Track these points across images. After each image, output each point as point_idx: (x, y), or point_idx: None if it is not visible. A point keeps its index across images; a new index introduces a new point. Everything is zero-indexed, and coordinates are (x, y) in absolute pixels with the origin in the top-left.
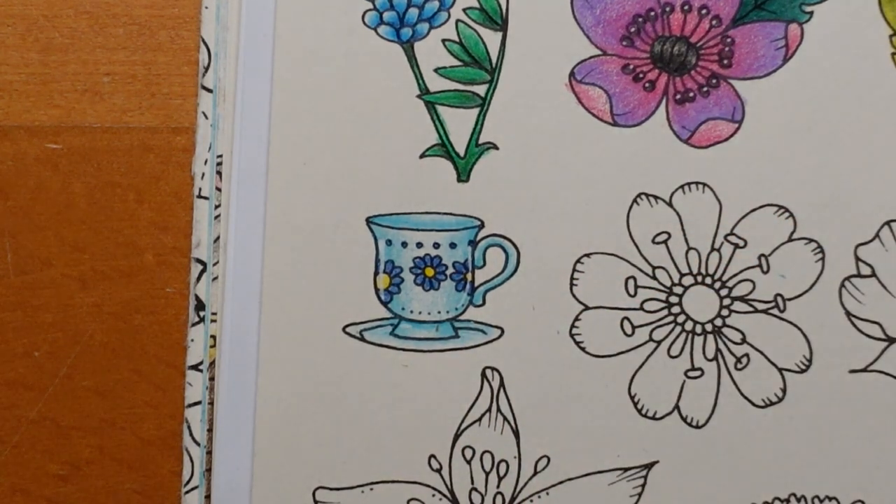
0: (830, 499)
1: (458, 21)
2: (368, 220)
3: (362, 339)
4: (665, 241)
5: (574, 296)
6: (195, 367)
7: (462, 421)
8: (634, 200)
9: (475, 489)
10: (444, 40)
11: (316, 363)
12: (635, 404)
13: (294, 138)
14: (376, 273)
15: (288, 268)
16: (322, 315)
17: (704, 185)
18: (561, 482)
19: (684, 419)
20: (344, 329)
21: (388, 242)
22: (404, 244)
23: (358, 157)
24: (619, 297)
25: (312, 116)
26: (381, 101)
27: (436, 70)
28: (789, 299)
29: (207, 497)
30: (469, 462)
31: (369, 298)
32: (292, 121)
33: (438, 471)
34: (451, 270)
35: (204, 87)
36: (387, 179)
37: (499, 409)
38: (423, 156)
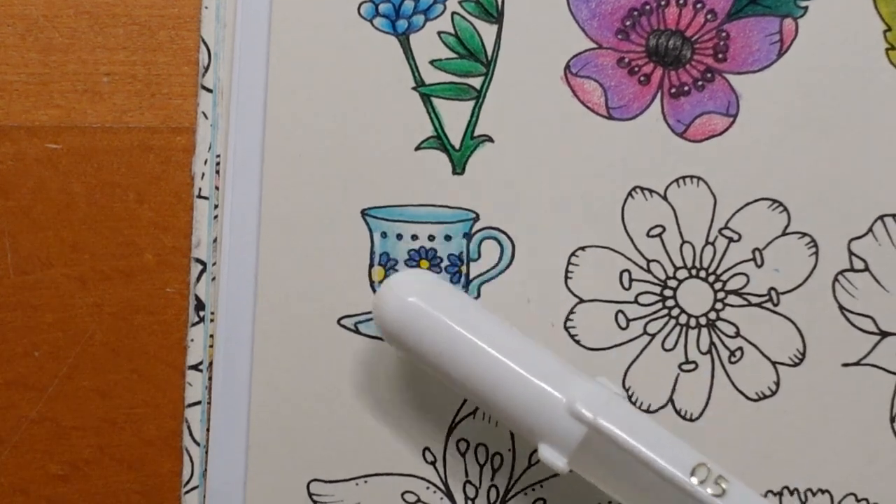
0: (823, 492)
1: (453, 13)
2: (363, 213)
3: (357, 331)
4: (660, 235)
5: (569, 289)
6: (195, 367)
7: (456, 414)
8: (629, 194)
9: (469, 482)
10: (439, 32)
11: (310, 355)
12: (629, 397)
13: (289, 131)
14: (371, 265)
15: (282, 260)
16: (316, 307)
17: (699, 178)
18: (555, 475)
19: (678, 412)
20: (339, 321)
21: (384, 235)
22: (399, 236)
23: (353, 149)
24: (613, 290)
25: (307, 109)
26: (377, 92)
27: (431, 62)
28: (783, 293)
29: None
30: (463, 455)
31: (364, 291)
32: (287, 113)
33: (433, 463)
34: (446, 263)
35: (204, 87)
36: (382, 172)
37: None
38: (418, 148)
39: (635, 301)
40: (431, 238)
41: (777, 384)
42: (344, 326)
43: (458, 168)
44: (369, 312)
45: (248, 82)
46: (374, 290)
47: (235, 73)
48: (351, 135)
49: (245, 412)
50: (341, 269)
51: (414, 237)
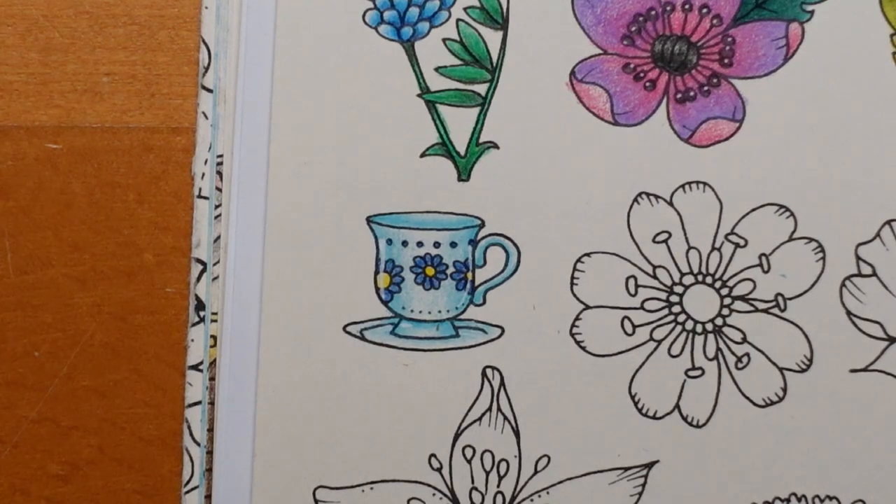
0: (831, 498)
1: (458, 20)
2: (369, 220)
3: (363, 338)
4: (665, 241)
5: (574, 295)
6: (195, 367)
7: (462, 420)
8: (635, 200)
9: (475, 488)
10: (444, 39)
11: (316, 362)
12: (636, 404)
13: (294, 138)
14: (377, 272)
15: (288, 267)
16: (322, 314)
17: (705, 184)
18: (561, 481)
19: (685, 419)
20: (344, 328)
21: (389, 241)
22: (405, 243)
23: (358, 156)
24: (619, 296)
25: (313, 116)
26: (382, 100)
27: (436, 69)
28: (790, 298)
29: (207, 497)
30: (469, 461)
31: (370, 297)
32: (292, 120)
33: (439, 470)
34: (451, 270)
35: (204, 87)
36: (387, 178)
37: (499, 409)
38: (423, 155)
39: (641, 307)
40: (437, 245)
41: (784, 390)
42: (349, 333)
43: (464, 175)
44: (375, 319)
45: (253, 89)
46: (379, 297)
47: (241, 79)
48: (356, 142)
49: (251, 419)
50: (347, 276)
51: (419, 244)
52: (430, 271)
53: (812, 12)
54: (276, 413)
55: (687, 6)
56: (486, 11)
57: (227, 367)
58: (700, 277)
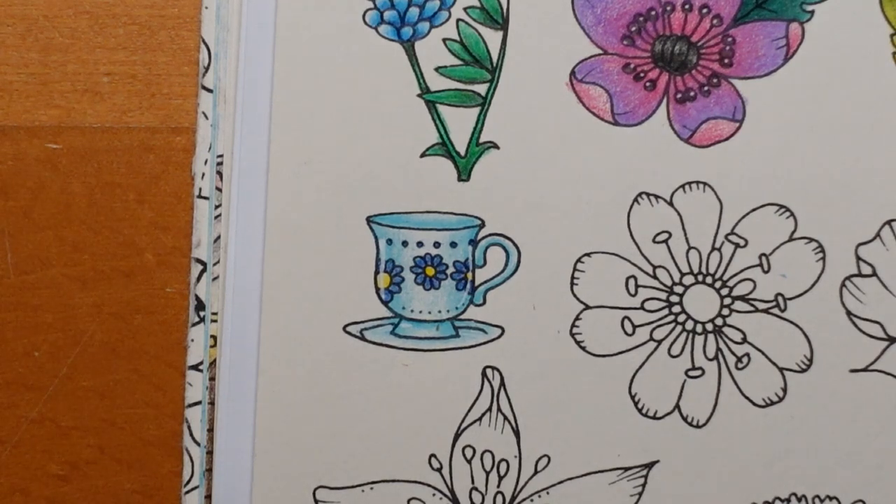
0: (831, 498)
1: (458, 20)
2: (369, 220)
3: (363, 338)
4: (666, 241)
5: (575, 295)
6: (195, 367)
7: (462, 420)
8: (635, 200)
9: (475, 488)
10: (444, 39)
11: (316, 362)
12: (636, 404)
13: (294, 138)
14: (377, 272)
15: (288, 267)
16: (322, 314)
17: (705, 184)
18: (561, 482)
19: (685, 419)
20: (344, 328)
21: (389, 242)
22: (405, 243)
23: (358, 156)
24: (619, 296)
25: (313, 116)
26: (382, 100)
27: (436, 69)
28: (790, 299)
29: (207, 497)
30: (469, 461)
31: (370, 298)
32: (292, 120)
33: (439, 470)
34: (451, 270)
35: (204, 87)
36: (387, 178)
37: (499, 409)
38: (423, 155)
39: (641, 307)
40: (437, 245)
41: (784, 390)
42: (349, 333)
43: (464, 175)
44: (375, 319)
45: (253, 89)
46: (379, 297)
47: (241, 79)
48: (356, 142)
49: (251, 419)
50: (347, 277)
51: (419, 244)
52: (430, 271)
53: (812, 12)
54: (276, 413)
55: (687, 6)
56: (486, 11)
57: (227, 367)
58: (700, 277)
